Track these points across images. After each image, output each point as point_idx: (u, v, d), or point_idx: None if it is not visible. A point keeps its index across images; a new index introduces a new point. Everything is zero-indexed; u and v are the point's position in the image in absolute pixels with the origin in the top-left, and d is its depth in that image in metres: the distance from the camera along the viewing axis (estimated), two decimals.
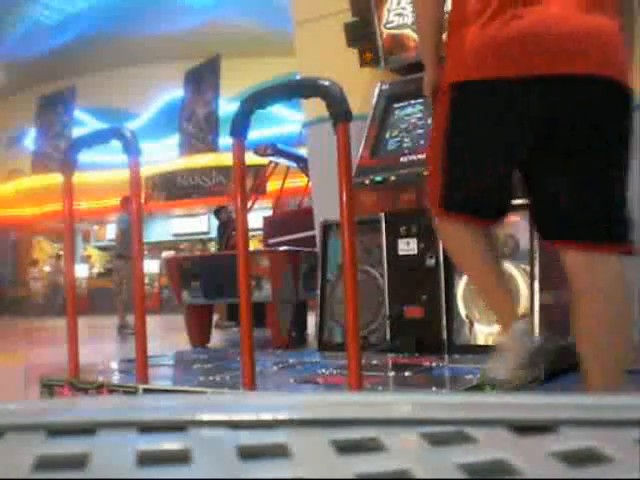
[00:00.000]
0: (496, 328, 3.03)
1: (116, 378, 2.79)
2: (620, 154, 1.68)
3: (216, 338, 5.39)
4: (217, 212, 8.66)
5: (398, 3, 3.68)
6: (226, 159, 13.10)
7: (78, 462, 0.32)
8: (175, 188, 17.95)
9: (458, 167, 1.78)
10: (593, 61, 1.57)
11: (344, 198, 1.91)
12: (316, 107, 3.27)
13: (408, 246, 3.23)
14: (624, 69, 1.63)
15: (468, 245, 1.85)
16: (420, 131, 3.39)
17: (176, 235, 19.12)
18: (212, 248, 14.48)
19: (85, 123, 19.32)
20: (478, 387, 2.15)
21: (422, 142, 3.29)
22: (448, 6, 1.86)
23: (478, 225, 1.83)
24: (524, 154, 1.71)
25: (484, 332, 3.08)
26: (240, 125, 2.14)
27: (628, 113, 1.66)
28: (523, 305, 2.97)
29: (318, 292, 3.54)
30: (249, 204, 4.49)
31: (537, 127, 1.64)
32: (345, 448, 0.34)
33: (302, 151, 5.48)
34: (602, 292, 1.63)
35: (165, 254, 15.00)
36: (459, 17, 1.74)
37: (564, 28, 1.58)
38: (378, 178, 3.28)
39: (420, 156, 3.17)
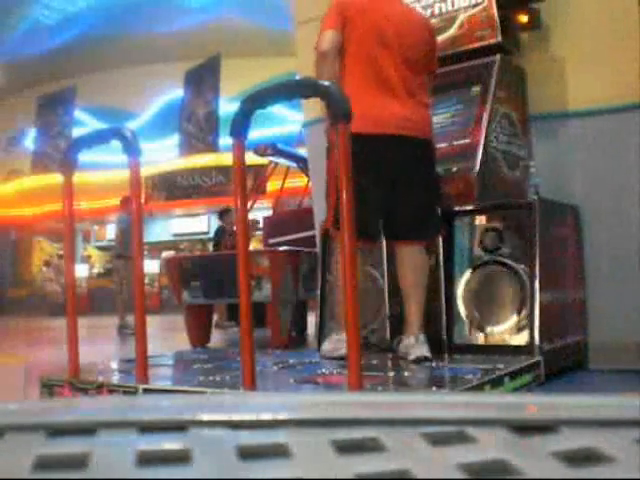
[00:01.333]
0: (496, 328, 3.04)
1: (116, 378, 2.79)
2: (428, 181, 2.82)
3: (216, 338, 5.39)
4: (221, 214, 8.17)
5: None
6: (226, 159, 13.10)
7: (78, 462, 0.32)
8: (175, 188, 17.94)
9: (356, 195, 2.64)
10: (418, 130, 2.76)
11: (344, 198, 1.91)
12: (316, 107, 3.27)
13: None
14: (429, 131, 2.85)
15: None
16: None
17: (176, 235, 19.11)
18: (211, 248, 14.48)
19: (85, 123, 19.30)
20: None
21: None
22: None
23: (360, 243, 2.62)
24: (388, 182, 2.72)
25: (484, 332, 3.08)
26: (240, 125, 2.14)
27: (431, 155, 2.87)
28: (523, 304, 2.97)
29: (318, 292, 3.54)
30: (249, 204, 4.48)
31: (393, 164, 2.70)
32: (345, 448, 0.34)
33: (302, 151, 5.47)
34: (412, 265, 2.80)
35: (165, 254, 15.00)
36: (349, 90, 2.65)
37: (410, 114, 2.75)
38: None
39: None
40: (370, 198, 2.65)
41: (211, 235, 15.55)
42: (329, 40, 2.74)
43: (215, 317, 6.09)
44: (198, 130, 18.08)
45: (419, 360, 2.67)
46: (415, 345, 2.72)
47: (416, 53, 2.83)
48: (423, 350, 2.69)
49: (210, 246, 16.20)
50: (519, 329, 2.97)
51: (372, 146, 2.67)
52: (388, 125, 2.69)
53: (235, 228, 2.59)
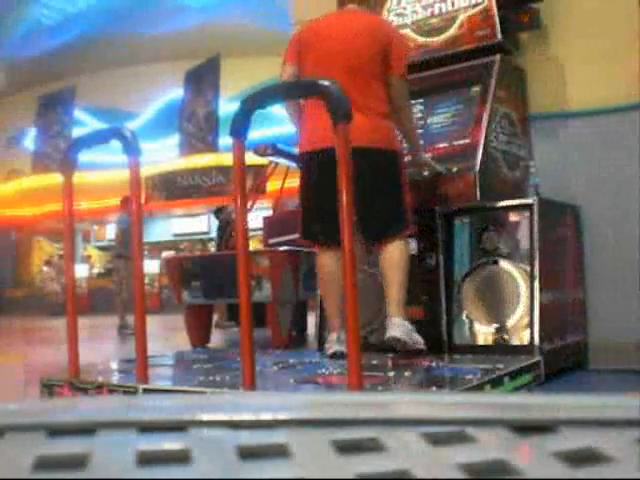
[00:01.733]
0: (495, 328, 3.04)
1: (116, 378, 2.79)
2: (390, 185, 2.90)
3: (216, 338, 5.39)
4: (217, 212, 8.56)
5: (398, 3, 3.68)
6: (226, 159, 13.08)
7: (78, 462, 0.32)
8: (175, 188, 17.92)
9: (306, 207, 3.03)
10: (357, 139, 2.64)
11: (344, 198, 1.91)
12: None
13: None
14: (390, 141, 2.92)
15: (321, 264, 3.01)
16: (420, 131, 3.39)
17: (176, 235, 19.10)
18: (212, 248, 14.47)
19: (85, 123, 19.29)
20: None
21: (422, 142, 3.29)
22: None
23: (323, 249, 2.97)
24: (336, 192, 2.68)
25: (484, 332, 3.08)
26: (240, 125, 2.14)
27: (392, 163, 2.91)
28: (523, 304, 2.97)
29: (318, 292, 3.54)
30: (249, 204, 4.49)
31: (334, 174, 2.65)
32: (345, 448, 0.34)
33: None
34: (387, 259, 2.89)
35: (165, 254, 14.99)
36: (305, 114, 2.99)
37: (362, 125, 2.67)
38: None
39: None
40: (321, 209, 2.87)
41: (211, 235, 15.58)
42: (286, 73, 3.02)
43: (215, 317, 6.08)
44: (198, 130, 18.07)
45: (389, 341, 2.78)
46: (390, 327, 2.81)
47: (367, 64, 2.89)
48: (396, 332, 2.77)
49: (210, 246, 16.24)
50: (519, 329, 2.97)
51: (315, 162, 2.89)
52: (320, 140, 2.78)
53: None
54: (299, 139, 3.05)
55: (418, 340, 2.89)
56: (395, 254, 2.89)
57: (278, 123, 14.50)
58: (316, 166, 2.90)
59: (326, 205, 2.79)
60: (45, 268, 19.73)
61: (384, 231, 2.90)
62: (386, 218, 2.90)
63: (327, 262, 2.96)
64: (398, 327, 2.80)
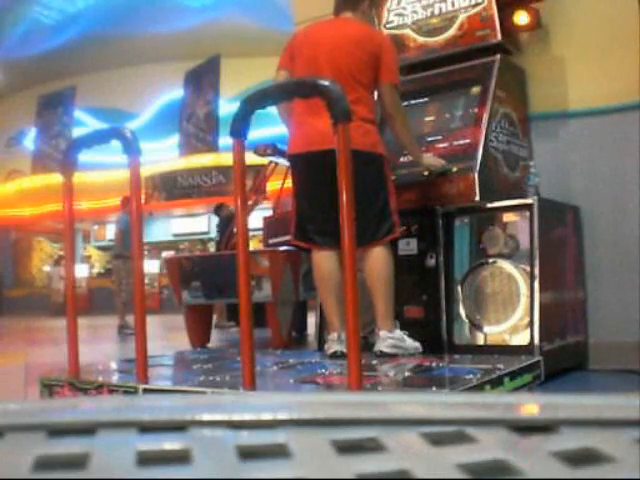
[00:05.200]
0: (496, 328, 3.04)
1: (116, 378, 2.79)
2: (375, 188, 2.87)
3: (216, 338, 5.39)
4: (217, 210, 8.60)
5: (398, 3, 3.68)
6: (226, 159, 13.07)
7: (78, 462, 0.32)
8: (175, 188, 17.91)
9: (301, 209, 3.01)
10: (356, 143, 2.45)
11: (344, 198, 1.91)
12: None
13: (408, 246, 3.23)
14: (375, 144, 2.88)
15: (318, 264, 2.98)
16: (420, 131, 3.39)
17: (176, 235, 19.10)
18: (212, 248, 14.46)
19: (85, 123, 19.28)
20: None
21: (422, 142, 3.29)
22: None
23: (318, 250, 2.96)
24: (328, 193, 2.51)
25: (484, 332, 3.08)
26: (240, 125, 2.14)
27: (377, 166, 2.88)
28: (523, 304, 2.97)
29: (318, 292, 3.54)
30: (250, 203, 4.48)
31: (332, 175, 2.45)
32: (345, 448, 0.34)
33: None
34: (377, 270, 2.89)
35: (165, 254, 14.98)
36: (293, 117, 3.00)
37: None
38: None
39: None
40: (309, 212, 2.96)
41: (211, 235, 15.57)
42: (279, 80, 3.04)
43: (215, 317, 6.08)
44: (198, 130, 18.05)
45: (376, 355, 2.86)
46: (377, 341, 2.91)
47: (354, 71, 2.89)
48: (382, 346, 2.87)
49: (210, 246, 16.22)
50: (519, 329, 2.97)
51: (303, 164, 2.97)
52: (311, 143, 2.85)
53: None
54: (289, 141, 3.05)
55: (411, 346, 2.92)
56: (379, 264, 2.89)
57: (278, 123, 14.51)
58: (312, 168, 2.89)
59: (322, 206, 2.83)
60: (51, 267, 19.63)
61: (370, 234, 2.85)
62: (372, 221, 2.86)
63: (323, 262, 2.96)
64: (384, 341, 2.87)
